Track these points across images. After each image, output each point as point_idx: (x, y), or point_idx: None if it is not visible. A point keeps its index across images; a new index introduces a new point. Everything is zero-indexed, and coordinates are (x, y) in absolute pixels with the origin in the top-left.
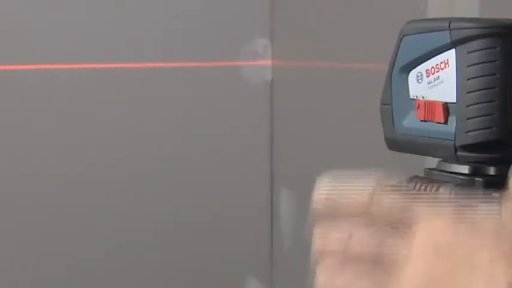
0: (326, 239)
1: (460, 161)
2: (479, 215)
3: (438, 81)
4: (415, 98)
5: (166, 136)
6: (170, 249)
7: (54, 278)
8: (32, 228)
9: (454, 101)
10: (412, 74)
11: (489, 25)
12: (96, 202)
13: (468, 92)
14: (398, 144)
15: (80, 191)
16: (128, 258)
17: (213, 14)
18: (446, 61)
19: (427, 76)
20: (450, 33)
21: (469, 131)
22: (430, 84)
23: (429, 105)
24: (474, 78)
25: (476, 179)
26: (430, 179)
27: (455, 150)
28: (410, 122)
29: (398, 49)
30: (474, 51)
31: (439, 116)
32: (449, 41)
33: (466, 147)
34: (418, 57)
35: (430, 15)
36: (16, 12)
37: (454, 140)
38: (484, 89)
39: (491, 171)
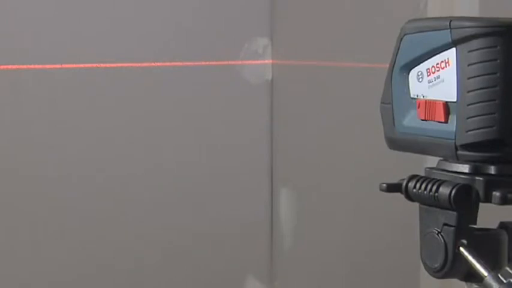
0: None
1: (460, 160)
2: None
3: (439, 80)
4: (416, 97)
5: (166, 136)
6: (170, 248)
7: (56, 280)
8: (29, 229)
9: (455, 100)
10: (413, 73)
11: (490, 24)
12: (96, 202)
13: (469, 91)
14: (399, 143)
15: (80, 191)
16: (127, 257)
17: (213, 13)
18: (446, 60)
19: (428, 75)
20: (451, 32)
21: (470, 130)
22: (431, 84)
23: (430, 104)
24: (475, 77)
25: (477, 178)
26: (430, 178)
27: (456, 149)
28: (411, 121)
29: (398, 48)
30: (475, 50)
31: (440, 115)
32: (449, 40)
33: (467, 146)
34: (418, 56)
35: (430, 15)
36: (16, 12)
37: (455, 139)
38: (484, 88)
39: (492, 170)
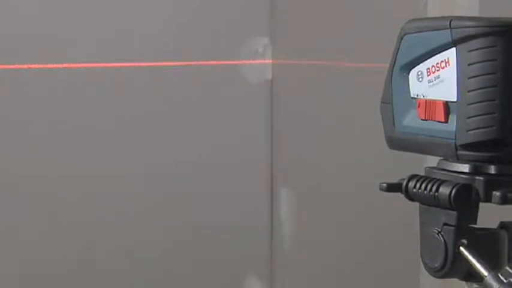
0: None
1: (460, 159)
2: None
3: (439, 80)
4: (416, 96)
5: (166, 135)
6: (170, 248)
7: (56, 279)
8: (29, 229)
9: (455, 99)
10: (413, 73)
11: (489, 24)
12: (96, 202)
13: (469, 91)
14: (399, 142)
15: (80, 191)
16: (127, 257)
17: (213, 13)
18: (446, 60)
19: (428, 75)
20: (451, 32)
21: (470, 130)
22: (431, 83)
23: (430, 104)
24: (475, 77)
25: (477, 177)
26: (430, 177)
27: (456, 149)
28: (411, 120)
29: (398, 48)
30: (475, 49)
31: (440, 114)
32: (449, 39)
33: (467, 146)
34: (418, 56)
35: (430, 14)
36: (16, 12)
37: (455, 139)
38: (484, 88)
39: (492, 170)
